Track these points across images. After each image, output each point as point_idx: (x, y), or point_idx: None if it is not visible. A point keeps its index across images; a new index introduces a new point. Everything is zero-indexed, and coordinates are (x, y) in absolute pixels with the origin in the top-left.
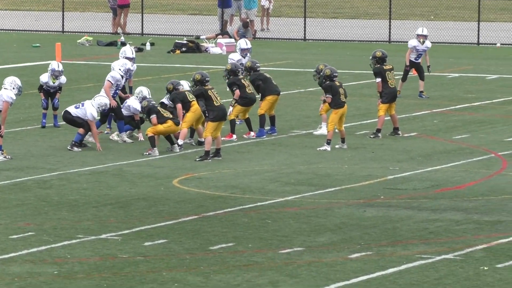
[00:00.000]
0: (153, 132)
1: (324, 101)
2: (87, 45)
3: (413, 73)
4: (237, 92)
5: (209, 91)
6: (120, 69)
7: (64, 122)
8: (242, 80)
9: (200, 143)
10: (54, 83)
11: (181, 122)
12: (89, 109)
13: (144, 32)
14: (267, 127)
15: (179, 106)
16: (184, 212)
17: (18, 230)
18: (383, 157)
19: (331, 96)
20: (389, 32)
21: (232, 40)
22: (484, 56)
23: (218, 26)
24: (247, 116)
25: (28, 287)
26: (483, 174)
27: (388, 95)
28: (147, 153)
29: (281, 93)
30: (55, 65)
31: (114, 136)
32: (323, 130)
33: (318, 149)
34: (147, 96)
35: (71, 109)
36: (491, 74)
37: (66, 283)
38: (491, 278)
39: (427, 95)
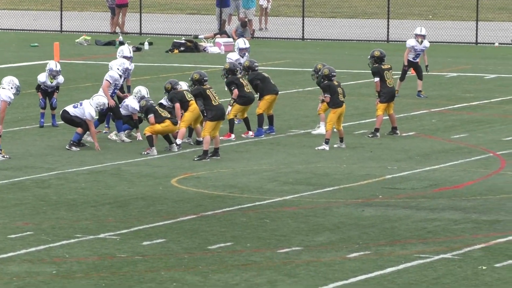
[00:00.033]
0: (151, 132)
1: (323, 101)
2: (85, 44)
3: (411, 72)
4: (235, 91)
5: (207, 90)
6: (118, 69)
7: (63, 122)
8: (240, 79)
9: (199, 143)
10: (52, 82)
11: (179, 122)
12: (88, 108)
13: (142, 32)
14: (265, 127)
15: (177, 105)
16: (183, 212)
17: (16, 229)
18: (381, 157)
19: (329, 96)
20: (387, 32)
21: (231, 39)
22: (482, 56)
23: (216, 26)
24: (245, 115)
25: (26, 286)
26: (481, 174)
27: (387, 95)
28: (145, 153)
29: (279, 92)
30: (52, 64)
31: (113, 136)
32: (321, 129)
33: (316, 148)
34: (146, 96)
35: (70, 109)
36: (489, 73)
37: (65, 283)
38: (489, 277)
39: (425, 95)
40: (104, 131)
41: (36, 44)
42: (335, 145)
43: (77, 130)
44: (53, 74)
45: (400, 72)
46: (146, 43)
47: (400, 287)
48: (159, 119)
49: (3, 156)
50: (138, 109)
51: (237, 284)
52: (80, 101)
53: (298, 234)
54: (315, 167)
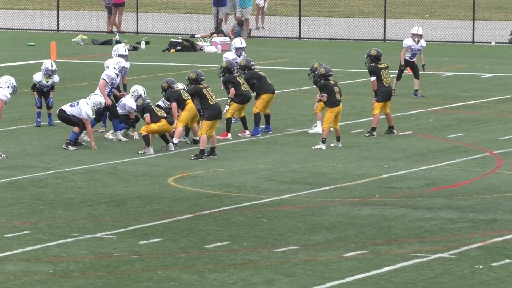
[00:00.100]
0: (146, 131)
1: (320, 100)
2: (82, 43)
3: (408, 71)
4: (232, 90)
5: (204, 89)
6: (115, 68)
7: (59, 121)
8: (237, 77)
9: (195, 142)
10: (47, 82)
11: (176, 121)
12: (84, 107)
13: (139, 31)
14: (262, 126)
15: (174, 104)
16: (179, 211)
17: (13, 228)
18: (378, 156)
19: (326, 95)
20: (384, 31)
21: (227, 38)
22: (479, 55)
23: (213, 25)
24: (242, 114)
25: (23, 286)
26: (478, 173)
27: (383, 94)
28: (142, 152)
29: (276, 91)
30: (48, 64)
31: (109, 135)
32: (318, 128)
33: (313, 147)
34: (143, 95)
35: (66, 108)
36: (486, 72)
37: (62, 282)
38: (486, 276)
39: (422, 94)
40: (100, 130)
41: (32, 43)
42: (331, 144)
43: (74, 129)
44: (48, 74)
45: (397, 71)
46: (142, 42)
47: (397, 286)
48: (155, 119)
49: (0, 156)
50: (135, 108)
51: (234, 284)
52: (77, 100)
53: (295, 233)
54: (312, 166)
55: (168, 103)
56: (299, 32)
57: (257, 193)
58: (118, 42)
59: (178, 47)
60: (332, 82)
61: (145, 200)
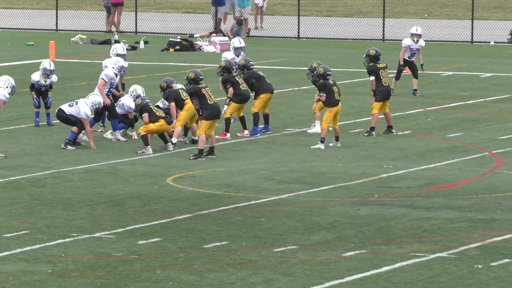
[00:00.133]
0: (145, 131)
1: (318, 100)
2: (81, 43)
3: (406, 71)
4: (231, 90)
5: (203, 89)
6: (113, 67)
7: (58, 121)
8: (236, 77)
9: (194, 142)
10: (45, 81)
11: (174, 121)
12: (83, 107)
13: (138, 31)
14: (261, 126)
15: (172, 104)
16: (178, 211)
17: (12, 228)
18: (377, 155)
19: (325, 95)
20: (383, 31)
21: (226, 38)
22: (478, 54)
23: (212, 24)
24: (241, 114)
25: (22, 285)
26: (477, 173)
27: (382, 93)
28: (141, 152)
29: (275, 91)
30: (46, 64)
31: (108, 135)
32: (317, 128)
33: (312, 147)
34: (141, 95)
35: (65, 107)
36: (485, 72)
37: (60, 282)
38: (485, 276)
39: (421, 93)
40: (99, 130)
41: (31, 43)
42: (330, 144)
43: (73, 129)
44: (46, 73)
45: (396, 71)
46: (141, 42)
47: (396, 286)
48: (153, 118)
49: None
50: (133, 107)
51: (232, 283)
52: (75, 100)
53: (294, 233)
54: (311, 166)
55: (167, 103)
56: (298, 32)
57: (256, 193)
58: (117, 41)
59: (177, 47)
60: (331, 82)
61: (143, 200)
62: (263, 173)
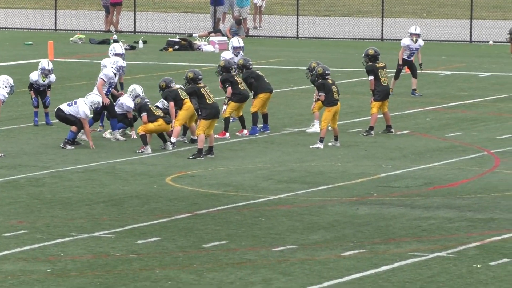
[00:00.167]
0: (144, 131)
1: (317, 99)
2: (80, 43)
3: (405, 71)
4: (229, 89)
5: (201, 89)
6: (112, 67)
7: (57, 120)
8: (234, 76)
9: (193, 141)
10: (44, 81)
11: (173, 120)
12: (82, 107)
13: (136, 30)
14: (259, 125)
15: (171, 104)
16: (177, 210)
17: (10, 228)
18: (376, 155)
19: (324, 94)
20: (382, 30)
21: (225, 38)
22: (477, 54)
23: (210, 24)
24: (241, 113)
25: (21, 285)
26: (476, 172)
27: (381, 93)
28: (140, 151)
29: (273, 91)
30: (45, 63)
31: (107, 134)
32: (315, 128)
33: (311, 147)
34: (141, 94)
35: (64, 107)
36: (483, 72)
37: (59, 281)
38: (484, 275)
39: (420, 93)
40: (98, 130)
41: (30, 42)
42: (329, 144)
43: (72, 128)
44: (45, 73)
45: (395, 71)
46: (140, 41)
47: (395, 286)
48: (152, 118)
49: None
50: (132, 107)
51: (231, 283)
52: (74, 100)
53: (293, 233)
54: (310, 166)
55: (166, 104)
56: (297, 31)
57: (255, 192)
58: (115, 41)
59: (176, 47)
60: (330, 81)
61: (143, 199)
62: (262, 173)
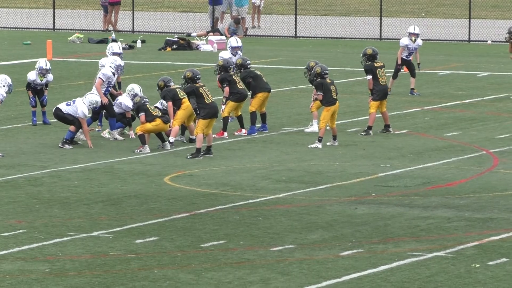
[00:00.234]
0: (142, 131)
1: (316, 99)
2: (78, 42)
3: (404, 70)
4: (227, 89)
5: (200, 88)
6: (111, 66)
7: (55, 119)
8: (233, 76)
9: (192, 141)
10: (41, 81)
11: (171, 120)
12: (80, 106)
13: (135, 30)
14: (258, 125)
15: (169, 103)
16: (176, 210)
17: (9, 227)
18: (374, 155)
19: (322, 94)
20: (380, 30)
21: (223, 37)
22: (475, 53)
23: (209, 24)
24: (239, 113)
25: (19, 284)
26: (474, 172)
27: (379, 93)
28: (138, 151)
29: (272, 90)
30: (42, 63)
31: (105, 134)
32: (314, 127)
33: (309, 146)
34: (139, 93)
35: (62, 106)
36: (482, 71)
37: (58, 281)
38: (483, 275)
39: (418, 93)
40: (97, 129)
41: (28, 42)
42: (328, 143)
43: (70, 128)
44: (42, 73)
45: (393, 70)
46: (138, 41)
47: (393, 285)
48: (150, 118)
49: None
50: (131, 107)
51: (230, 282)
52: (73, 99)
53: (291, 232)
54: (308, 165)
55: (165, 104)
56: (295, 31)
57: (253, 192)
58: (114, 40)
59: (174, 46)
60: (328, 81)
61: (141, 199)
62: (260, 172)
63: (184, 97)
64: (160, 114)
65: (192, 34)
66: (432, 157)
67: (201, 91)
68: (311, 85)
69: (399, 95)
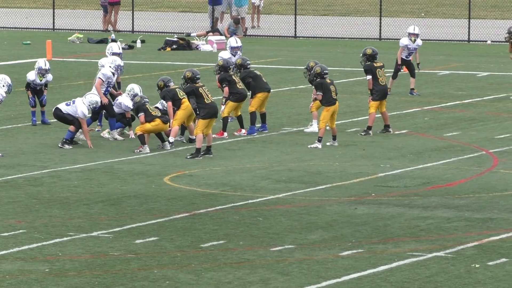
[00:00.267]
0: (141, 131)
1: (315, 99)
2: (78, 42)
3: (403, 70)
4: (226, 89)
5: (200, 88)
6: (110, 66)
7: (55, 119)
8: (232, 76)
9: (191, 141)
10: (41, 81)
11: (171, 120)
12: (80, 106)
13: (134, 30)
14: (258, 125)
15: (169, 103)
16: (175, 210)
17: (9, 227)
18: (374, 155)
19: (321, 93)
20: (380, 30)
21: (223, 37)
22: (475, 54)
23: (208, 24)
24: (239, 113)
25: (19, 284)
26: (474, 172)
27: (379, 93)
28: (138, 151)
29: (271, 90)
30: (42, 63)
31: (105, 134)
32: (314, 127)
33: (309, 146)
34: (139, 93)
35: (62, 106)
36: (481, 71)
37: (57, 281)
38: (482, 275)
39: (418, 93)
40: (96, 129)
41: (28, 42)
42: (327, 143)
43: (70, 128)
44: (42, 73)
45: (393, 70)
46: (138, 41)
47: (393, 285)
48: (149, 118)
49: None
50: (131, 107)
51: (229, 282)
52: (73, 99)
53: (291, 232)
54: (308, 165)
55: (166, 105)
56: (295, 31)
57: (253, 192)
58: (113, 40)
59: (174, 46)
60: (328, 81)
61: (141, 199)
62: (260, 172)
63: (184, 97)
64: (159, 114)
65: (191, 34)
66: (432, 157)
67: (200, 91)
68: (310, 85)
69: (399, 95)
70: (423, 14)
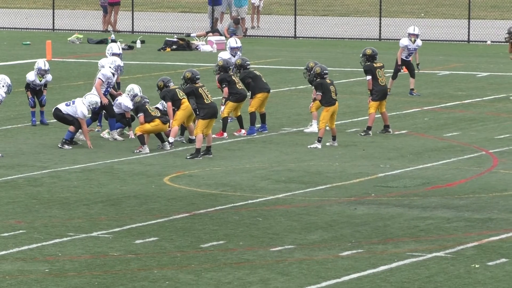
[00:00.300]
0: (141, 131)
1: (315, 99)
2: (78, 43)
3: (403, 70)
4: (226, 89)
5: (199, 89)
6: (110, 67)
7: (54, 120)
8: (232, 76)
9: (191, 141)
10: (40, 81)
11: (171, 120)
12: (80, 107)
13: (134, 30)
14: (257, 125)
15: (169, 104)
16: (175, 210)
17: (8, 228)
18: (373, 155)
19: (321, 94)
20: (380, 30)
21: (223, 37)
22: (475, 54)
23: (208, 24)
24: (239, 113)
25: (19, 285)
26: (474, 172)
27: (379, 93)
28: (137, 151)
29: (271, 90)
30: (41, 63)
31: (105, 134)
32: (313, 127)
33: (308, 146)
34: (139, 94)
35: (62, 107)
36: (481, 71)
37: (57, 281)
38: (482, 275)
39: (418, 93)
40: (96, 129)
41: (28, 42)
42: (327, 143)
43: (70, 128)
44: (41, 73)
45: (392, 71)
46: (138, 41)
47: (393, 286)
48: (149, 118)
49: None
50: (131, 107)
51: (229, 283)
52: (72, 100)
53: (291, 232)
54: (308, 165)
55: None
56: (295, 31)
57: (253, 192)
58: (113, 41)
59: (174, 46)
60: (328, 81)
61: (140, 199)
62: (260, 173)
63: (184, 98)
64: (159, 114)
65: (191, 35)
66: (431, 158)
67: (200, 92)
68: (310, 85)
69: (399, 96)
70: (422, 15)
